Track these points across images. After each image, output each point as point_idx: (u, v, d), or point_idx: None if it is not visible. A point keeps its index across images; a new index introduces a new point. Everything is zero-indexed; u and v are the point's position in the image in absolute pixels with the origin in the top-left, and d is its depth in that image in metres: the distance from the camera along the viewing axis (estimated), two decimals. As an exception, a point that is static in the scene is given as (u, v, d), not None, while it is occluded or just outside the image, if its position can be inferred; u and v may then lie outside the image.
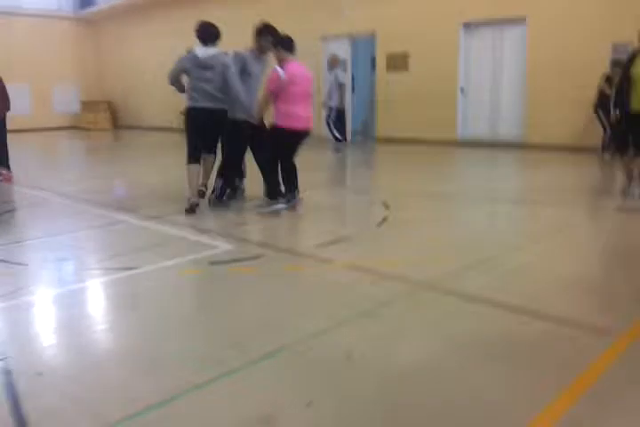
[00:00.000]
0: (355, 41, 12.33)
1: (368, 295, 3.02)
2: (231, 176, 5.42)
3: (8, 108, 7.43)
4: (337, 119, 10.80)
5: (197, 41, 5.20)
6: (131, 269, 3.55)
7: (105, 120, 18.58)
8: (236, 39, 13.24)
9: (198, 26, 5.23)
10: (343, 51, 12.29)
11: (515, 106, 10.14)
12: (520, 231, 4.56)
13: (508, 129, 10.33)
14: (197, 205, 5.13)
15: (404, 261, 3.56)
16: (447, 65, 10.72)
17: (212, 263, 3.63)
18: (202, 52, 5.13)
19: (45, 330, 2.79)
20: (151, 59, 16.48)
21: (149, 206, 5.48)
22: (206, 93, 5.07)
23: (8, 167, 7.47)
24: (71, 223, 5.01)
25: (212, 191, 5.37)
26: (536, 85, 9.63)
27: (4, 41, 17.31)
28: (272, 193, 5.22)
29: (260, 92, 5.22)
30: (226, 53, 5.23)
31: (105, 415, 1.93)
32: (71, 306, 3.08)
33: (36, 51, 18.17)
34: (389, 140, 11.56)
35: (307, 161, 9.68)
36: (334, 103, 10.73)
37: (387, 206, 5.19)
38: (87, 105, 18.88)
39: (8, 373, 2.24)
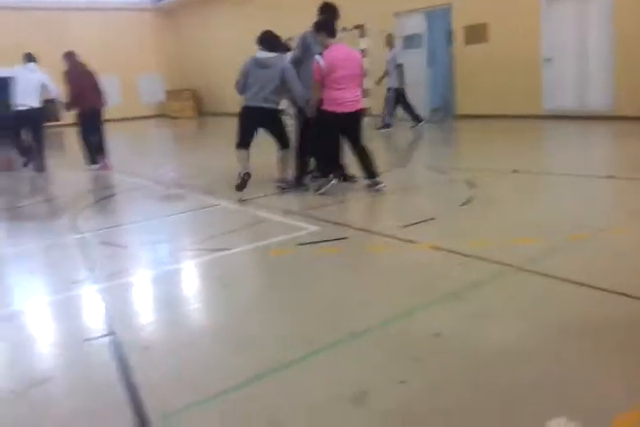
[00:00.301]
0: (430, 15, 12.02)
1: (454, 276, 3.01)
2: (308, 161, 5.58)
3: (105, 103, 7.88)
4: (397, 100, 10.57)
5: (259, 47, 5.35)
6: (223, 250, 3.73)
7: (190, 108, 19.19)
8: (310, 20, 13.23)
9: (261, 35, 5.37)
10: (418, 25, 12.02)
11: (604, 76, 9.54)
12: (613, 211, 4.34)
13: (597, 100, 9.75)
14: (248, 178, 5.37)
15: (491, 242, 3.50)
16: (529, 34, 10.23)
17: (300, 244, 3.74)
18: (261, 54, 5.30)
19: (146, 308, 3.01)
20: (231, 45, 16.80)
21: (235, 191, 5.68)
22: (261, 93, 5.23)
23: (106, 156, 7.96)
24: (166, 207, 5.32)
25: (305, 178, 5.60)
26: (626, 53, 9.01)
27: (94, 35, 18.22)
28: (322, 170, 5.34)
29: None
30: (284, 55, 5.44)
31: (203, 389, 2.06)
32: (168, 285, 3.29)
33: (121, 43, 19.02)
34: (470, 116, 11.24)
35: (387, 140, 9.76)
36: (392, 84, 10.53)
37: (470, 185, 5.10)
38: (172, 94, 19.60)
39: (118, 346, 2.45)
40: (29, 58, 7.91)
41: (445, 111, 12.28)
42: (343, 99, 5.01)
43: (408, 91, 10.66)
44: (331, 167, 5.30)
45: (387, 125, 10.53)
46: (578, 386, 1.92)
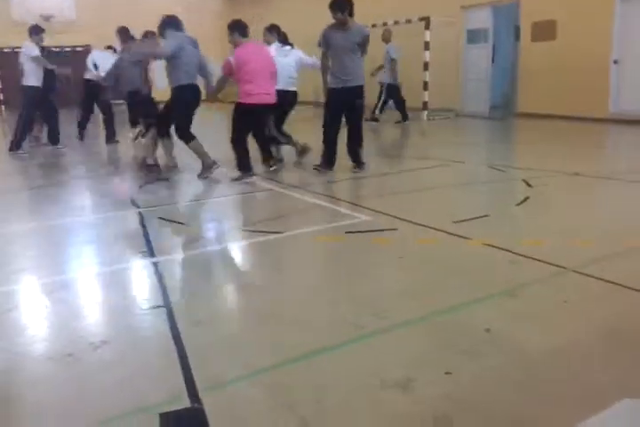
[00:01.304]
0: (497, 9, 11.74)
1: (507, 274, 2.98)
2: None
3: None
4: (389, 95, 10.71)
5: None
6: (275, 233, 3.80)
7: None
8: (373, 12, 13.16)
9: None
10: (484, 20, 11.78)
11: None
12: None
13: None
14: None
15: (546, 243, 3.44)
16: (599, 34, 9.87)
17: (349, 232, 3.76)
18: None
19: (199, 284, 3.09)
20: (299, 31, 16.86)
21: (290, 176, 5.78)
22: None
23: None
24: (222, 189, 5.45)
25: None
26: None
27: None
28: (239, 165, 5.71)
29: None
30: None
31: (251, 364, 2.13)
32: (222, 264, 3.39)
33: (190, 28, 19.28)
34: (532, 115, 10.96)
35: (448, 133, 9.64)
36: (385, 79, 10.68)
37: (528, 185, 5.00)
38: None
39: (172, 317, 2.54)
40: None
41: (506, 109, 12.02)
42: (253, 91, 5.49)
43: (470, 86, 10.50)
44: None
45: (374, 120, 10.76)
46: (623, 392, 1.89)
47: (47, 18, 17.29)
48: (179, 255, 3.55)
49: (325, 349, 2.22)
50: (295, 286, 2.98)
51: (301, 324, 2.47)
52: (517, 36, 11.53)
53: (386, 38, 10.82)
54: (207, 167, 5.74)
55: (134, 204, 4.79)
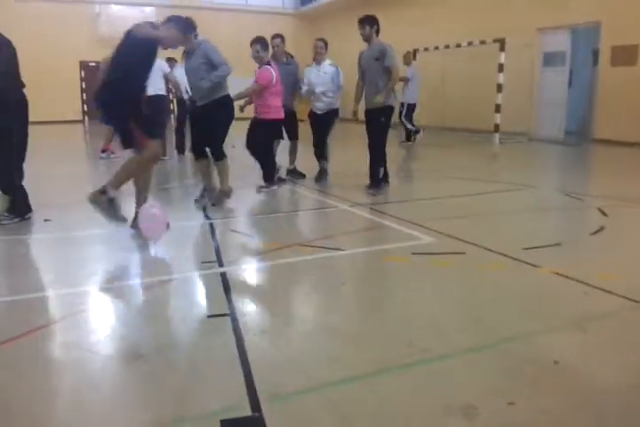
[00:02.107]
0: (575, 32, 11.46)
1: (578, 306, 2.87)
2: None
3: None
4: (403, 113, 11.12)
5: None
6: (338, 249, 3.82)
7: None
8: (447, 33, 13.14)
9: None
10: (561, 43, 11.51)
11: None
12: None
13: None
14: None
15: (621, 275, 3.29)
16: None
17: (414, 253, 3.74)
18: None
19: (264, 295, 3.16)
20: (354, 54, 17.07)
21: (355, 195, 5.80)
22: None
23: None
24: (291, 204, 5.55)
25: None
26: None
27: (234, 37, 19.23)
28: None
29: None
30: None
31: (313, 377, 2.15)
32: (286, 277, 3.43)
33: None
34: (609, 142, 10.55)
35: (520, 157, 9.42)
36: (405, 99, 11.04)
37: (603, 214, 4.81)
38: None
39: (237, 326, 2.60)
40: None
41: (582, 134, 11.63)
42: (280, 105, 6.00)
43: (544, 110, 10.27)
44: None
45: (416, 132, 11.14)
46: None
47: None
48: (245, 266, 3.64)
49: (387, 369, 2.21)
50: (359, 304, 2.99)
51: (364, 341, 2.47)
52: (596, 60, 11.19)
53: (407, 61, 11.25)
54: (227, 192, 5.35)
55: (206, 215, 4.95)
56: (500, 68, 11.24)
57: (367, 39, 5.75)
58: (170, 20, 4.40)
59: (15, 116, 4.49)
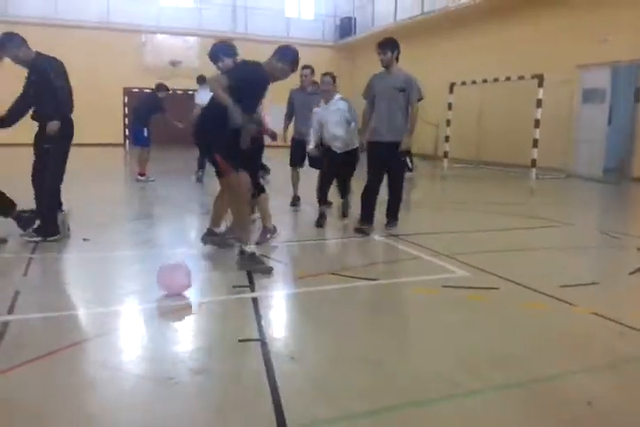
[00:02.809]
0: (616, 69, 11.38)
1: (614, 346, 2.79)
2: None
3: None
4: None
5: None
6: (370, 279, 3.82)
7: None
8: (485, 66, 13.19)
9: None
10: (602, 80, 11.45)
11: None
12: None
13: None
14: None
15: (661, 316, 3.20)
16: None
17: (446, 286, 3.70)
18: None
19: (296, 321, 3.17)
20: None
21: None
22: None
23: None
24: (323, 233, 5.58)
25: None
26: None
27: None
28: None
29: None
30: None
31: (344, 406, 2.13)
32: (318, 305, 3.42)
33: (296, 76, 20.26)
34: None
35: (555, 194, 9.31)
36: None
37: (642, 253, 4.70)
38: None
39: (267, 351, 2.61)
40: None
41: (621, 172, 11.43)
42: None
43: (583, 146, 10.16)
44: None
45: (410, 170, 10.80)
46: None
47: (175, 63, 18.90)
48: (277, 292, 3.66)
49: (416, 402, 2.19)
50: (389, 334, 2.96)
51: (394, 373, 2.45)
52: (637, 98, 11.08)
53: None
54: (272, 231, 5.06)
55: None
56: (539, 103, 11.22)
57: (387, 65, 5.31)
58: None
59: (62, 136, 4.66)
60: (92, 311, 3.20)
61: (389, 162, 5.39)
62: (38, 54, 4.66)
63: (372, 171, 5.42)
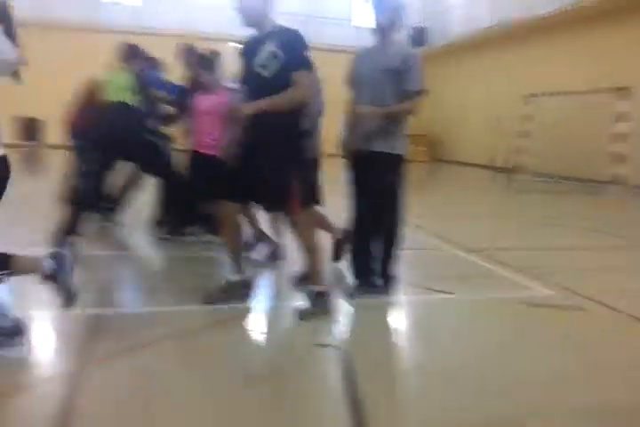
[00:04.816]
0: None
1: None
2: None
3: None
4: None
5: None
6: (450, 293, 3.73)
7: (422, 153, 19.44)
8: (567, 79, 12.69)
9: None
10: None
11: None
12: None
13: None
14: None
15: None
16: None
17: (529, 305, 3.55)
18: None
19: (374, 332, 3.09)
20: (474, 96, 16.96)
21: (463, 238, 5.67)
22: None
23: None
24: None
25: None
26: None
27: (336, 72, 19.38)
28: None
29: None
30: None
31: (427, 421, 2.09)
32: (396, 315, 3.41)
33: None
34: None
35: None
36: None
37: None
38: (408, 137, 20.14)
39: (346, 357, 2.61)
40: None
41: None
42: None
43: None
44: None
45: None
46: None
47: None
48: (354, 300, 3.60)
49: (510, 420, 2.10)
50: (468, 350, 2.88)
51: (474, 391, 2.36)
52: None
53: None
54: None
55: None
56: (624, 117, 10.71)
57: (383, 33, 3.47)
58: None
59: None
60: (184, 309, 3.26)
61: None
62: None
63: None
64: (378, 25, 3.45)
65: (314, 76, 3.25)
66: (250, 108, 2.99)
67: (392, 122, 3.39)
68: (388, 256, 3.60)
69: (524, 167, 13.49)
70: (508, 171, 13.93)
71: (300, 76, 3.00)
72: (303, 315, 3.12)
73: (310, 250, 3.23)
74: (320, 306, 3.18)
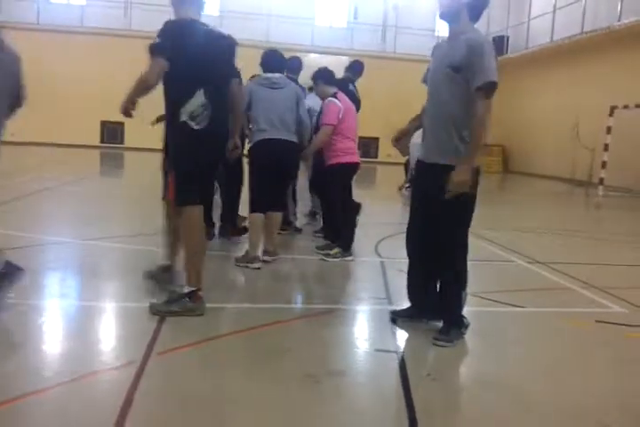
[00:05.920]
0: None
1: None
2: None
3: None
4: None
5: None
6: (516, 306, 3.66)
7: (497, 163, 19.15)
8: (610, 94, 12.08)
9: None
10: None
11: None
12: None
13: None
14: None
15: None
16: None
17: (599, 321, 3.43)
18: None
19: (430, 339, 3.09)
20: (547, 107, 16.46)
21: (532, 250, 5.52)
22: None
23: None
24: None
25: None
26: None
27: (392, 83, 18.80)
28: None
29: None
30: None
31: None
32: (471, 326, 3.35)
33: (404, 92, 18.94)
34: None
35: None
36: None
37: None
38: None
39: (403, 364, 2.63)
40: None
41: None
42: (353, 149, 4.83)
43: None
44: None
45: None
46: None
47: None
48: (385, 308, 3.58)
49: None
50: (532, 364, 2.82)
51: (536, 407, 2.32)
52: None
53: None
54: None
55: (377, 253, 5.06)
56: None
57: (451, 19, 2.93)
58: None
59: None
60: (248, 307, 3.39)
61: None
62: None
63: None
64: (441, 14, 2.93)
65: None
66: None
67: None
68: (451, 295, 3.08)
69: (603, 180, 12.92)
70: (586, 184, 13.38)
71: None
72: (155, 310, 3.06)
73: (188, 249, 3.18)
74: (176, 306, 3.04)
